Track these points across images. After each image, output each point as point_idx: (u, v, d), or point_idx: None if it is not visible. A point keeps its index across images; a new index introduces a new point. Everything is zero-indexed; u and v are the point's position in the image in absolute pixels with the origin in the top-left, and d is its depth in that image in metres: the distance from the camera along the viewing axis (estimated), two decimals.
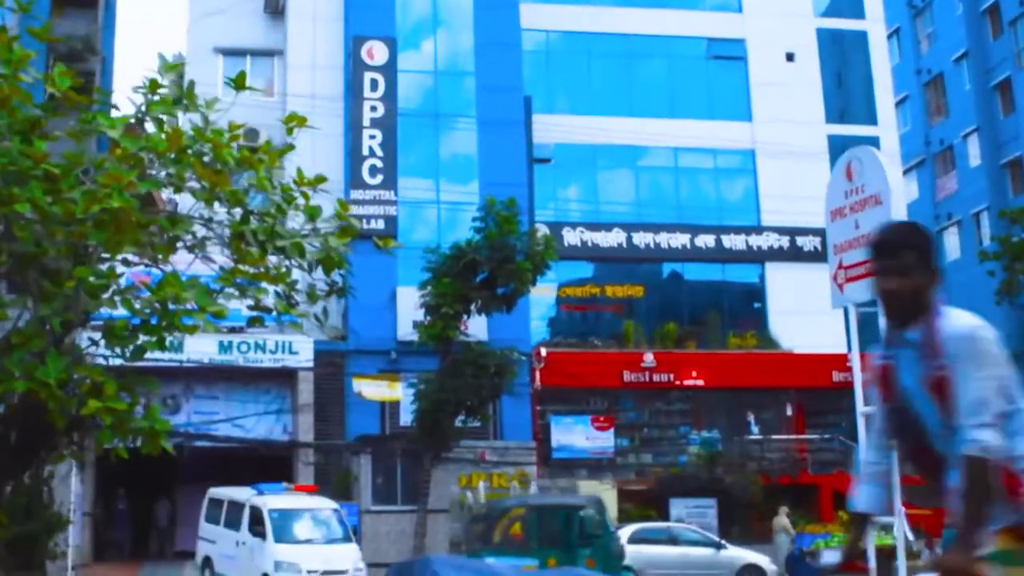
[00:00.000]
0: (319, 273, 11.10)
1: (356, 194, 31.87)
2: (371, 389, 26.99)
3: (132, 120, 10.19)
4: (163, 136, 10.00)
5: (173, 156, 9.96)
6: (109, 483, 31.46)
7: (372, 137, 32.39)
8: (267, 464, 31.85)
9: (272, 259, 11.40)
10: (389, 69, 32.84)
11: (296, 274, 11.50)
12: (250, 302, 10.85)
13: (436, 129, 33.35)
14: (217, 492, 25.71)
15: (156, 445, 9.43)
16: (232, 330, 30.56)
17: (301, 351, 29.95)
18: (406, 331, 30.04)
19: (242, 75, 10.63)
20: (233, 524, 24.15)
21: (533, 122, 34.34)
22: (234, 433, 29.97)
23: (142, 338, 9.54)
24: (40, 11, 28.99)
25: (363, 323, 31.22)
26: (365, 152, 32.27)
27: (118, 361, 10.09)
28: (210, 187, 10.02)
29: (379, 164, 32.25)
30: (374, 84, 32.72)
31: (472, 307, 27.65)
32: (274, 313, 10.92)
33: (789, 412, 34.17)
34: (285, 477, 30.65)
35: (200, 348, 29.45)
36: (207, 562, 25.03)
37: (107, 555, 30.85)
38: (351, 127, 32.53)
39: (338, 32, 33.68)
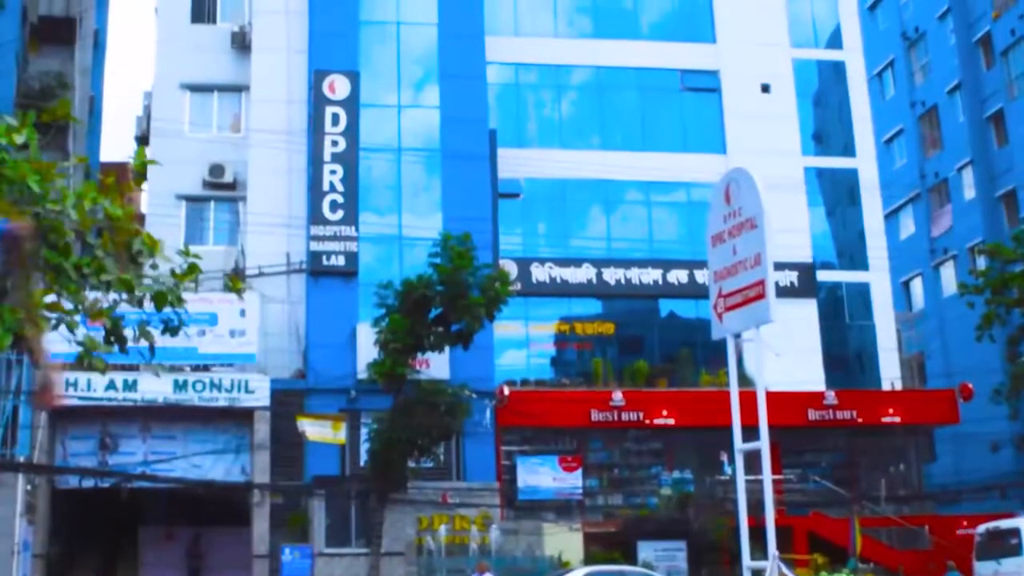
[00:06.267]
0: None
1: (316, 230, 31.39)
2: (314, 429, 26.24)
3: None
4: None
5: None
6: (72, 525, 30.89)
7: (333, 172, 31.83)
8: (228, 504, 31.21)
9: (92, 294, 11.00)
10: (351, 103, 32.33)
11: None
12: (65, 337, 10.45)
13: (399, 163, 32.83)
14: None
15: None
16: (196, 368, 30.13)
17: (257, 390, 29.37)
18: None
19: None
20: None
21: (502, 156, 33.70)
22: (192, 473, 29.37)
23: None
24: (15, 49, 28.92)
25: (323, 361, 30.60)
26: (326, 187, 31.71)
27: None
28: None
29: (340, 199, 31.67)
30: (335, 118, 32.21)
31: (425, 344, 27.07)
32: (82, 351, 10.46)
33: None
34: (243, 518, 30.00)
35: (155, 387, 29.00)
36: None
37: None
38: (313, 162, 32.06)
39: (303, 66, 33.25)
